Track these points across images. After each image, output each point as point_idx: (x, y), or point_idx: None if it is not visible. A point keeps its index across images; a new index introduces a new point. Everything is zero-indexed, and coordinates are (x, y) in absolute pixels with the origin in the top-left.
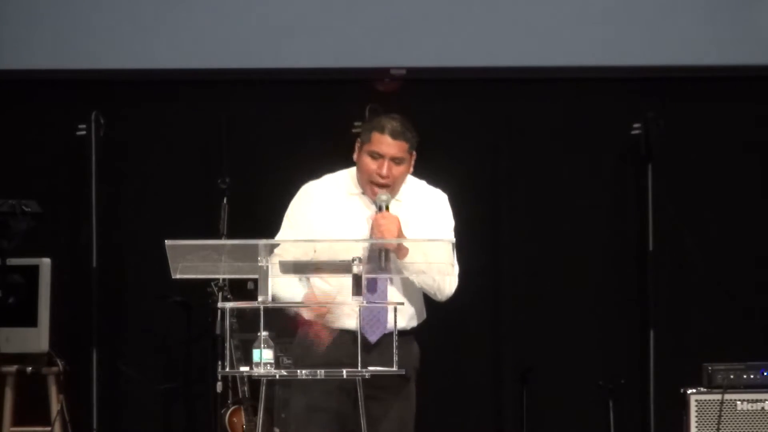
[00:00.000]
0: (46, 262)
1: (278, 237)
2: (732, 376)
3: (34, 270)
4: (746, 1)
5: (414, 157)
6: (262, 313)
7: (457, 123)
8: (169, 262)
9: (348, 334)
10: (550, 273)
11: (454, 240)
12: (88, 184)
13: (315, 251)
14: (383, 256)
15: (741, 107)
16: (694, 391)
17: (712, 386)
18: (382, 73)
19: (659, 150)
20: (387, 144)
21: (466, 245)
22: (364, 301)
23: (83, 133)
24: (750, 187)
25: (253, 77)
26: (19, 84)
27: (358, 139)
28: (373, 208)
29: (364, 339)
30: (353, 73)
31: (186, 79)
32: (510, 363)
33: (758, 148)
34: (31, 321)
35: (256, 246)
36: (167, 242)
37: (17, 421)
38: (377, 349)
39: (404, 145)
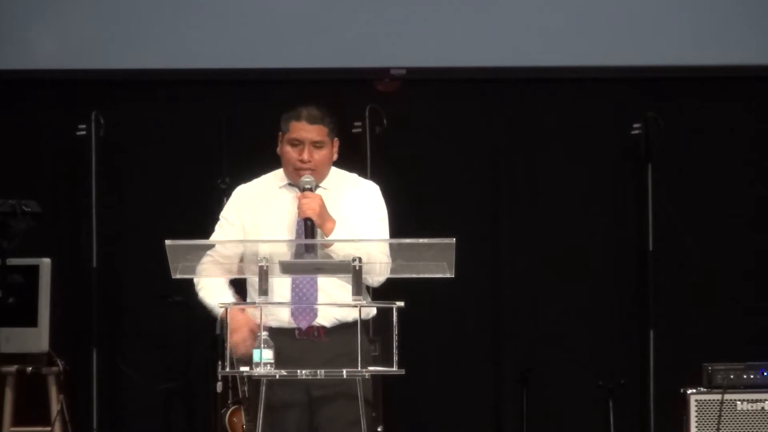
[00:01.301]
0: (46, 262)
1: (211, 238)
2: (732, 376)
3: (34, 270)
4: (747, 1)
5: (337, 144)
6: (261, 313)
7: (457, 123)
8: (169, 262)
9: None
10: (549, 273)
11: (386, 228)
12: (88, 184)
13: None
14: (308, 230)
15: (741, 107)
16: (694, 391)
17: (712, 386)
18: (382, 73)
19: (659, 150)
20: (305, 129)
21: (465, 245)
22: (365, 301)
23: (83, 133)
24: (750, 186)
25: (253, 77)
26: (19, 84)
27: (279, 132)
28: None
29: (294, 330)
30: (353, 73)
31: (186, 79)
32: (510, 363)
33: (758, 148)
34: (31, 321)
35: (255, 246)
36: (167, 242)
37: (17, 421)
38: (327, 341)
39: (323, 129)
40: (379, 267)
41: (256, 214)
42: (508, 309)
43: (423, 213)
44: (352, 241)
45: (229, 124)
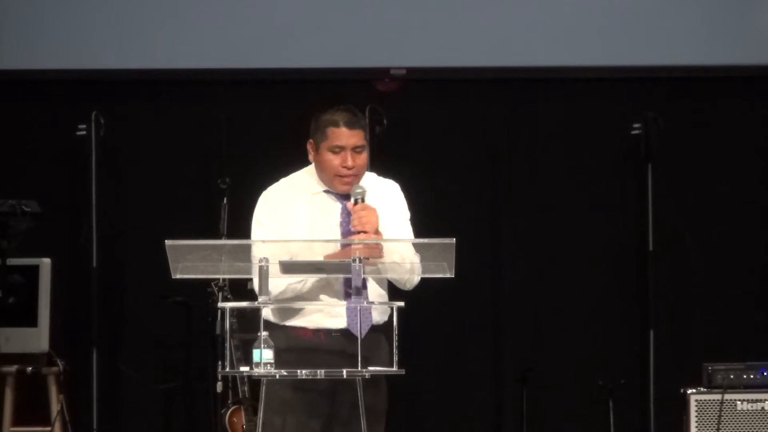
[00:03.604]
0: (46, 262)
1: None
2: (732, 376)
3: (34, 270)
4: (746, 1)
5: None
6: (262, 313)
7: (457, 123)
8: (169, 262)
9: (337, 333)
10: (550, 273)
11: (410, 228)
12: (88, 184)
13: (293, 253)
14: (360, 260)
15: (741, 107)
16: (694, 391)
17: (712, 386)
18: (382, 73)
19: (659, 150)
20: (346, 136)
21: (465, 245)
22: (365, 302)
23: (83, 133)
24: (750, 186)
25: (253, 77)
26: (19, 84)
27: (310, 140)
28: (339, 204)
29: (351, 335)
30: (353, 73)
31: (186, 79)
32: (510, 363)
33: (758, 148)
34: (31, 321)
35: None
36: (167, 242)
37: (17, 421)
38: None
39: (361, 133)
40: (418, 272)
41: (295, 216)
42: (508, 309)
43: (423, 213)
44: (362, 241)
45: (229, 124)
